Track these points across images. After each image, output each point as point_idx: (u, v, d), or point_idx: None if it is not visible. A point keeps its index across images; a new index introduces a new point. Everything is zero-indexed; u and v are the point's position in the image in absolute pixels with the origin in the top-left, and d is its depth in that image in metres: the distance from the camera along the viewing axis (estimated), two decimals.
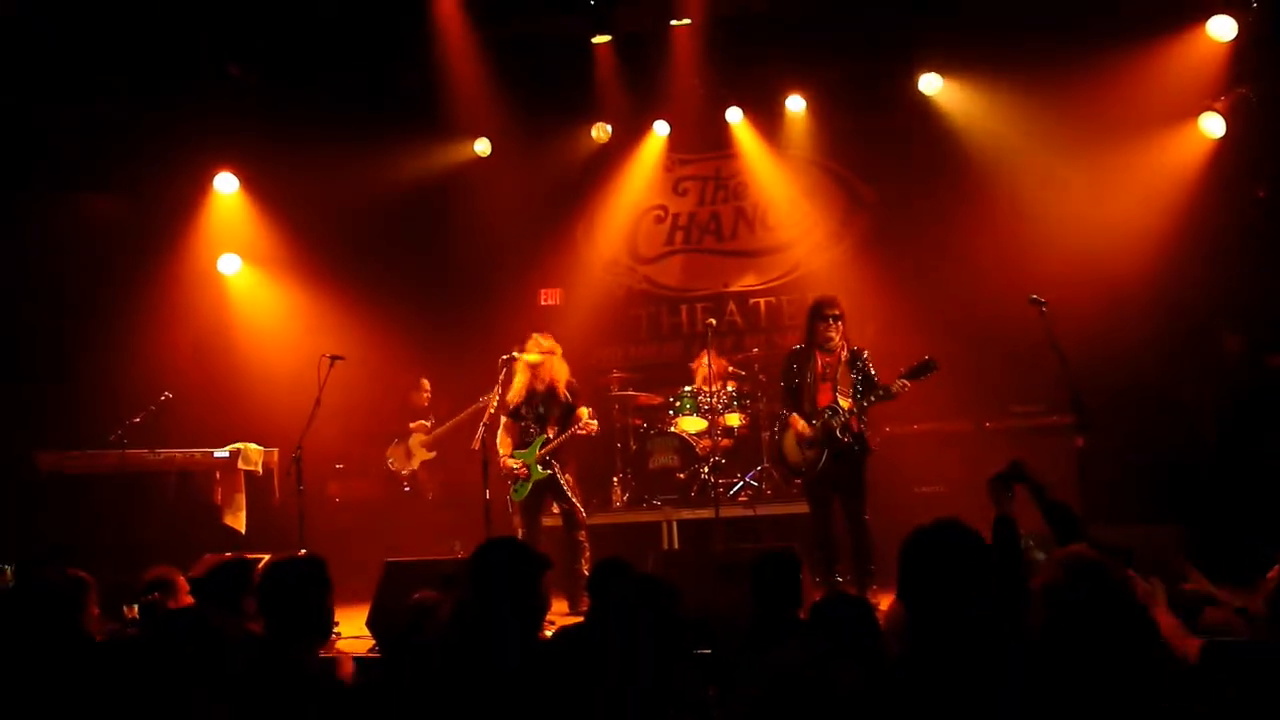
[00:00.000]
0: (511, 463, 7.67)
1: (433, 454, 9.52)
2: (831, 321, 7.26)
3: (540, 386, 7.68)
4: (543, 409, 7.70)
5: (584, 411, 7.67)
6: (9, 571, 5.50)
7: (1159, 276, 8.40)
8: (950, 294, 9.17)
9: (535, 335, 7.78)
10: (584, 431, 7.64)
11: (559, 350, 7.80)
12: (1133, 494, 7.49)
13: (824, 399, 7.23)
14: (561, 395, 7.68)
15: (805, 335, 7.46)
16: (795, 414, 7.34)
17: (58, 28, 8.30)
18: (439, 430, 9.49)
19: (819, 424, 7.20)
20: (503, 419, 7.80)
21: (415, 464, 9.47)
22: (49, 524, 8.02)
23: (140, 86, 9.08)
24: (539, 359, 7.66)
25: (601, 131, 10.30)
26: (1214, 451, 8.07)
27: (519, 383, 7.70)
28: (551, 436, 7.64)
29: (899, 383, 7.04)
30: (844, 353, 7.31)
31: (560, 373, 7.72)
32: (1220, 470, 7.80)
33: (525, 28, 9.76)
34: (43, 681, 3.47)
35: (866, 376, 7.28)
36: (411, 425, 9.51)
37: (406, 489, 9.50)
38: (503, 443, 7.75)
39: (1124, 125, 8.59)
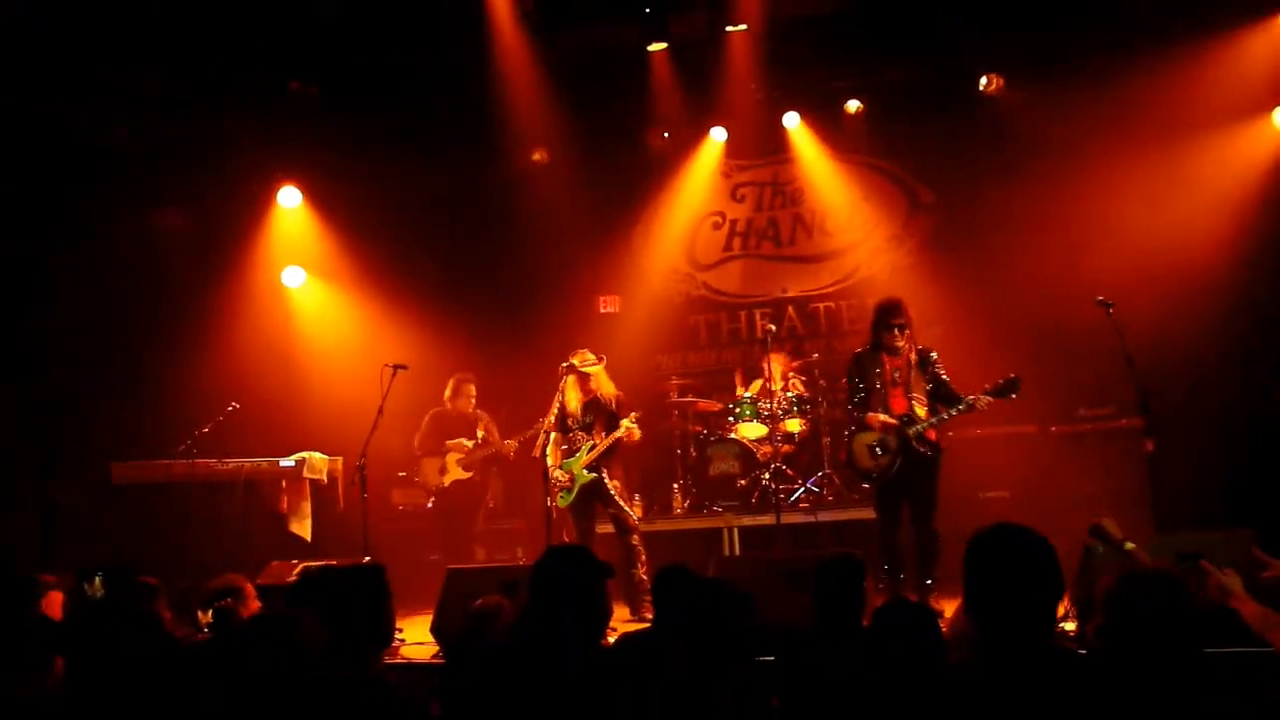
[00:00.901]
0: (558, 474, 7.72)
1: (469, 474, 9.12)
2: (897, 331, 7.03)
3: (588, 398, 7.81)
4: (590, 418, 7.78)
5: (626, 420, 7.71)
6: (99, 581, 5.61)
7: (1228, 276, 8.22)
8: (1015, 296, 9.00)
9: (581, 350, 7.87)
10: (628, 438, 7.70)
11: (603, 361, 7.92)
12: (1204, 498, 7.36)
13: (898, 405, 7.00)
14: (607, 404, 7.79)
15: (870, 339, 7.23)
16: (871, 414, 7.05)
17: (117, 44, 8.45)
18: (481, 453, 9.12)
19: (894, 432, 7.01)
20: (553, 434, 7.82)
21: (447, 481, 9.14)
22: (121, 532, 8.21)
23: (204, 103, 9.24)
24: (595, 371, 7.78)
25: (659, 138, 10.31)
26: None
27: (574, 395, 7.79)
28: (598, 442, 7.71)
29: (983, 399, 6.80)
30: (912, 354, 7.09)
31: (607, 385, 7.86)
32: None
33: (581, 36, 9.80)
34: (145, 685, 3.54)
35: (938, 381, 7.04)
36: (449, 444, 9.14)
37: (430, 505, 9.20)
38: (553, 455, 7.81)
39: (1193, 122, 8.40)
